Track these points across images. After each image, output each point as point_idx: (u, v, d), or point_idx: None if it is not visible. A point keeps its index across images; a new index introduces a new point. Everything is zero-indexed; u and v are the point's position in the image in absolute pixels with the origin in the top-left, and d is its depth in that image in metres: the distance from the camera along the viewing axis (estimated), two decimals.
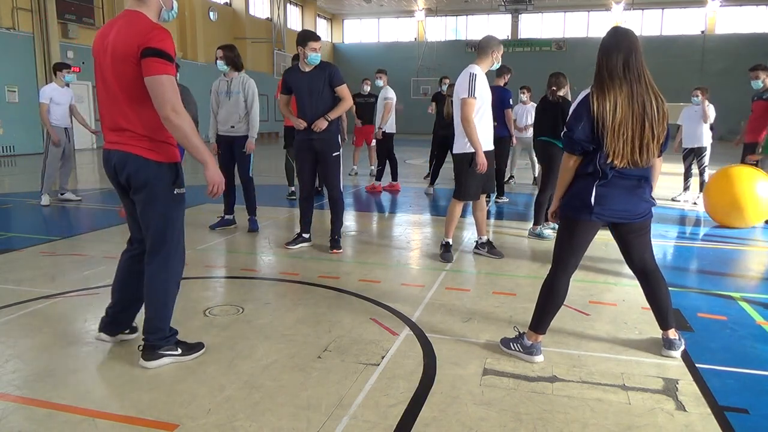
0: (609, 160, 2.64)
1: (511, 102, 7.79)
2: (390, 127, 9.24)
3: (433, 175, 9.15)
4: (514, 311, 3.66)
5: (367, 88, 10.32)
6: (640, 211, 2.80)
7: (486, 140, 4.76)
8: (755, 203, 6.22)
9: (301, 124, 5.01)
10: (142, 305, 2.89)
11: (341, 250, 5.20)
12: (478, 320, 3.51)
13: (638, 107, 2.62)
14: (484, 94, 4.68)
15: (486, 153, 4.71)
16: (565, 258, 2.89)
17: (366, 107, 10.06)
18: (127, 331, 3.11)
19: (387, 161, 9.39)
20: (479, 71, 4.66)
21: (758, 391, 2.65)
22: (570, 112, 2.77)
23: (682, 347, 2.99)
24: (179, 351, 2.87)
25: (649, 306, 3.08)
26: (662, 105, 2.67)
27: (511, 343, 2.99)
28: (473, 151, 4.64)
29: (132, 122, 2.63)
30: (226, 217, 6.14)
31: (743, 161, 7.20)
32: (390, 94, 9.28)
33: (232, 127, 5.83)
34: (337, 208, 5.25)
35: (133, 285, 2.93)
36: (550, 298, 2.91)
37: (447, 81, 9.53)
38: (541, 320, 2.92)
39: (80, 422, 2.31)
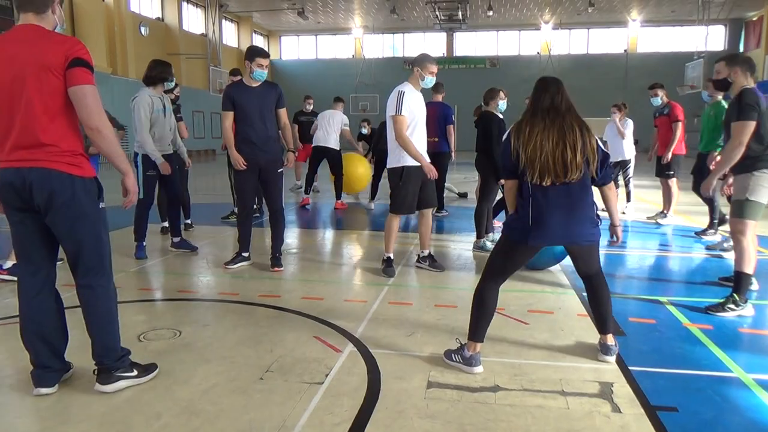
0: (533, 180, 2.82)
1: (453, 118, 7.96)
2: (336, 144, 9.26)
3: (373, 190, 9.20)
4: (456, 323, 3.71)
5: (310, 107, 10.41)
6: (585, 233, 2.91)
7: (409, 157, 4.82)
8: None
9: (241, 166, 4.92)
10: (67, 337, 2.77)
11: (282, 268, 5.13)
12: (421, 333, 3.53)
13: (556, 133, 2.83)
14: (414, 110, 4.74)
15: (419, 168, 4.78)
16: (497, 271, 3.02)
17: (308, 126, 10.06)
18: (66, 374, 2.81)
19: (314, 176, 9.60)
20: (409, 89, 4.73)
21: (686, 390, 2.79)
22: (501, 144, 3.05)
23: (616, 352, 3.11)
24: (135, 373, 2.79)
25: (586, 312, 3.20)
26: (586, 132, 2.87)
27: (453, 355, 3.04)
28: (404, 165, 4.73)
29: (53, 137, 2.50)
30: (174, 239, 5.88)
31: (658, 174, 7.62)
32: (346, 119, 9.52)
33: (168, 144, 5.71)
34: (280, 225, 5.17)
35: (52, 324, 2.70)
36: (482, 307, 3.00)
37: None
38: (476, 328, 3.00)
39: None
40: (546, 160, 2.79)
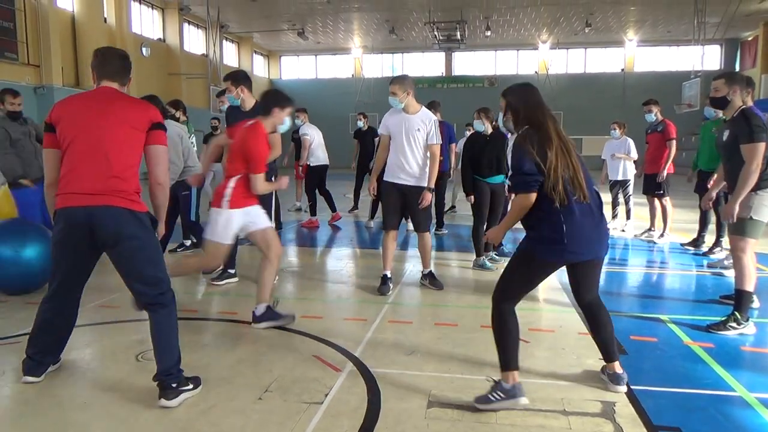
0: (569, 194, 2.67)
1: (454, 137, 7.98)
2: (318, 160, 9.17)
3: (373, 208, 9.20)
4: (456, 342, 3.69)
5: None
6: (605, 246, 2.84)
7: (393, 173, 4.90)
8: None
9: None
10: (68, 338, 3.08)
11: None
12: (422, 352, 3.51)
13: (568, 143, 2.74)
14: (391, 128, 4.89)
15: (392, 184, 4.89)
16: (516, 291, 2.86)
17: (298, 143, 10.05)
18: (53, 368, 3.12)
19: (317, 195, 9.38)
20: (391, 111, 4.91)
21: (688, 409, 2.76)
22: (513, 155, 2.77)
23: (626, 379, 2.97)
24: (191, 386, 2.89)
25: (587, 331, 3.16)
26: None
27: (490, 395, 2.74)
28: (387, 181, 4.93)
29: (126, 182, 2.79)
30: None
31: (645, 191, 7.64)
32: (307, 130, 9.23)
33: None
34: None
35: (61, 327, 3.02)
36: (506, 332, 2.81)
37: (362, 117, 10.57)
38: (508, 356, 2.80)
39: None
40: (575, 173, 2.69)
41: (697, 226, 7.08)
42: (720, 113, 6.40)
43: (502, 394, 2.72)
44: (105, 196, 2.72)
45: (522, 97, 2.87)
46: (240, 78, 5.04)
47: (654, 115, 7.59)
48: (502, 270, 2.94)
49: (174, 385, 2.79)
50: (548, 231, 2.71)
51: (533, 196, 2.69)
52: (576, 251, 2.71)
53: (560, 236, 2.67)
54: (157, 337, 2.85)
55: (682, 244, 6.98)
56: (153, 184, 2.93)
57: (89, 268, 2.97)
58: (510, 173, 2.81)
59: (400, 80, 4.88)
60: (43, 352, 3.02)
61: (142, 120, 2.83)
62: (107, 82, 2.94)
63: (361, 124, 10.56)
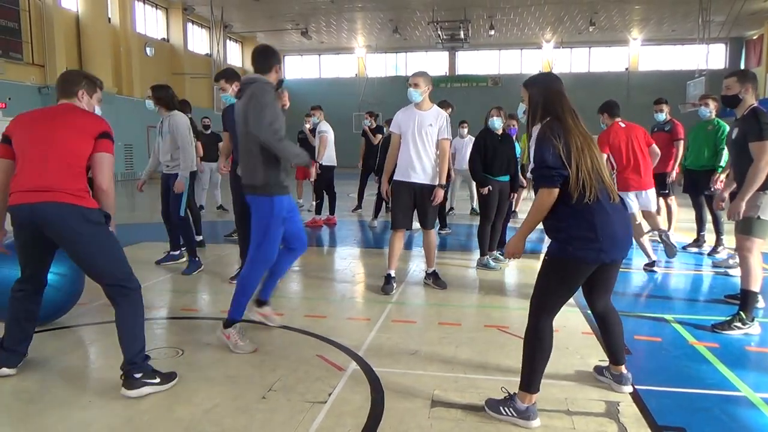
0: (599, 190, 2.53)
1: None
2: (329, 160, 9.20)
3: (377, 208, 9.20)
4: (460, 342, 3.68)
5: (308, 126, 10.41)
6: (630, 243, 2.69)
7: (405, 172, 4.90)
8: None
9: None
10: (33, 331, 3.17)
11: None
12: (425, 352, 3.51)
13: (591, 140, 2.63)
14: (402, 125, 4.91)
15: (406, 184, 4.87)
16: (553, 301, 2.65)
17: (304, 143, 10.05)
18: (23, 360, 3.17)
19: (325, 194, 9.37)
20: (403, 109, 4.95)
21: (693, 409, 2.75)
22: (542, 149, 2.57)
23: (631, 380, 2.95)
24: (158, 380, 2.91)
25: (591, 330, 3.15)
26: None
27: (501, 408, 2.64)
28: (394, 179, 4.95)
29: (68, 185, 2.86)
30: (171, 253, 6.05)
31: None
32: (324, 127, 9.25)
33: (167, 165, 5.77)
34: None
35: (30, 319, 3.13)
36: (539, 347, 2.62)
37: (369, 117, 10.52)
38: (532, 376, 2.61)
39: None
40: (601, 168, 2.56)
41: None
42: (713, 114, 6.52)
43: (512, 412, 2.60)
44: (48, 192, 2.81)
45: (543, 88, 2.71)
46: (232, 75, 5.07)
47: (664, 114, 7.57)
48: (535, 282, 2.72)
49: (137, 376, 2.84)
50: (580, 229, 2.53)
51: (556, 191, 2.52)
52: (608, 251, 2.54)
53: (594, 234, 2.50)
54: (120, 328, 2.93)
55: (683, 247, 6.96)
56: (96, 189, 2.99)
57: (47, 258, 3.10)
58: (532, 167, 2.63)
59: (424, 73, 4.94)
60: (17, 340, 3.10)
61: (90, 129, 2.95)
62: (63, 99, 3.12)
63: (368, 122, 10.49)
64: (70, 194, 2.84)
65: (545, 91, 2.68)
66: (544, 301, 2.64)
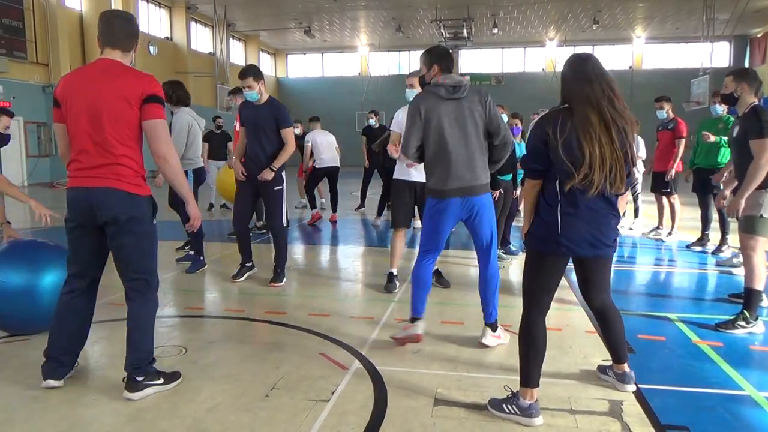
0: (575, 184, 2.46)
1: None
2: (324, 162, 9.18)
3: (380, 207, 9.20)
4: (463, 340, 3.68)
5: (298, 130, 10.38)
6: (609, 241, 2.62)
7: (405, 171, 4.86)
8: None
9: (240, 176, 5.13)
10: (85, 341, 3.01)
11: (281, 284, 5.11)
12: (428, 350, 3.51)
13: (615, 135, 2.46)
14: (402, 125, 4.81)
15: (407, 182, 4.86)
16: (537, 295, 2.69)
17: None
18: (71, 372, 3.01)
19: (328, 192, 9.46)
20: (403, 108, 4.81)
21: (697, 408, 2.75)
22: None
23: (635, 378, 2.94)
24: (161, 381, 2.88)
25: (594, 329, 3.14)
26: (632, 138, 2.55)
27: (504, 405, 2.64)
28: (394, 178, 4.93)
29: (124, 160, 2.73)
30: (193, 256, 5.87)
31: (653, 189, 7.60)
32: (309, 137, 9.29)
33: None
34: (278, 241, 5.20)
35: (75, 324, 2.93)
36: (533, 344, 2.63)
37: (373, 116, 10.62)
38: (530, 372, 2.62)
39: None
40: (601, 167, 2.42)
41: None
42: (725, 111, 6.46)
43: (515, 410, 2.60)
44: (103, 178, 2.71)
45: (569, 70, 2.57)
46: (259, 73, 5.08)
47: (666, 112, 7.53)
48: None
49: (140, 379, 2.79)
50: (542, 223, 2.60)
51: (536, 182, 2.63)
52: (566, 245, 2.55)
53: (554, 226, 2.53)
54: (130, 328, 2.83)
55: (687, 246, 6.94)
56: (155, 159, 2.81)
57: (103, 251, 2.91)
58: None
59: (419, 72, 4.88)
60: (63, 351, 2.92)
61: (135, 93, 2.72)
62: (109, 51, 2.85)
63: (372, 122, 10.51)
64: (124, 180, 2.73)
65: (570, 74, 2.56)
66: (530, 295, 2.72)
